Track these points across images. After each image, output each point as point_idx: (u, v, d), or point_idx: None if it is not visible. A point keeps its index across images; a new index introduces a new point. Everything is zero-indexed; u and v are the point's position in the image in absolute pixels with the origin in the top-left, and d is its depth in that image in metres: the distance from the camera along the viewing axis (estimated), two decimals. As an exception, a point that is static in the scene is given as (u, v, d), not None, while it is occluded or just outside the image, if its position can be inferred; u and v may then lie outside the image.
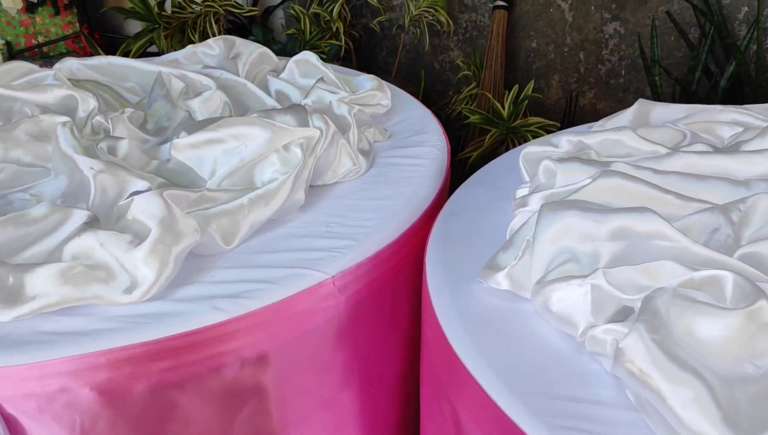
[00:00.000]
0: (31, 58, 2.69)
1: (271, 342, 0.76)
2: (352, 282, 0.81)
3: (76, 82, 1.21)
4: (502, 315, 0.69)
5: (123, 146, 1.01)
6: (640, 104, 1.06)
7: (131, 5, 2.08)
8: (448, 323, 0.69)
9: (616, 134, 0.90)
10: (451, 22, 2.08)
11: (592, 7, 2.06)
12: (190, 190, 0.84)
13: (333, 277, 0.79)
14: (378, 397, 0.92)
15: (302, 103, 1.11)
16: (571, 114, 2.00)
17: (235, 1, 2.16)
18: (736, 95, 1.80)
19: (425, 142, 1.09)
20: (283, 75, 1.28)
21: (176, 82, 1.21)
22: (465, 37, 2.25)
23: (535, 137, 1.87)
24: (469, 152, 1.91)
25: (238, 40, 1.36)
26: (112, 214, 0.86)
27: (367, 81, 1.23)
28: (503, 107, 1.88)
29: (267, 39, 2.11)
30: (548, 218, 0.70)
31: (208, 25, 2.10)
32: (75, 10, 2.67)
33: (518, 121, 1.87)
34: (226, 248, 0.83)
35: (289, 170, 0.92)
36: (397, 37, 2.36)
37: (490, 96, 1.97)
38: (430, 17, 2.05)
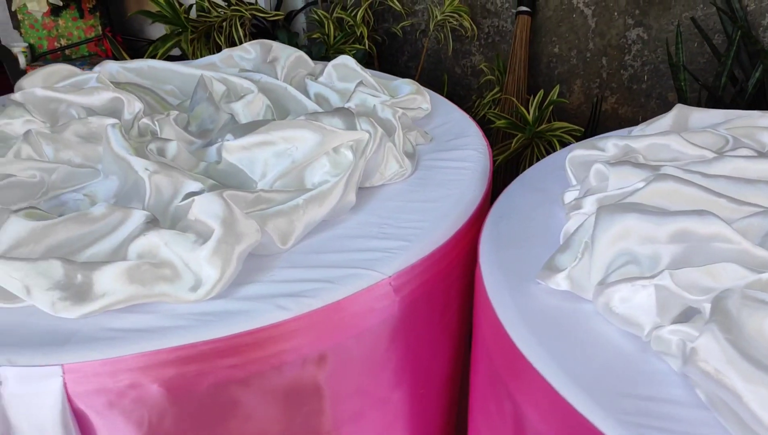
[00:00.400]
0: (54, 61, 2.72)
1: (330, 341, 0.78)
2: (407, 282, 0.82)
3: (118, 85, 1.23)
4: (563, 315, 0.70)
5: (172, 148, 1.02)
6: (679, 109, 1.08)
7: (157, 9, 2.10)
8: (510, 323, 0.70)
9: (663, 138, 0.91)
10: (474, 28, 2.09)
11: (616, 13, 2.07)
12: (247, 190, 0.86)
13: (389, 277, 0.80)
14: (426, 397, 0.93)
15: (345, 106, 1.12)
16: (596, 119, 2.02)
17: (259, 5, 2.19)
18: (761, 101, 1.81)
19: (466, 145, 1.10)
20: (321, 78, 1.30)
21: (218, 85, 1.23)
22: (487, 42, 2.26)
23: (560, 142, 1.89)
24: (495, 156, 1.93)
25: (275, 44, 1.38)
26: (167, 214, 0.88)
27: (405, 85, 1.24)
28: (528, 112, 1.90)
29: (292, 43, 2.13)
30: (607, 221, 0.72)
31: (233, 29, 2.12)
32: (98, 14, 2.69)
33: (543, 126, 1.89)
34: (283, 248, 0.84)
35: (340, 172, 0.93)
36: (418, 42, 2.37)
37: (516, 101, 1.98)
38: (455, 22, 2.07)
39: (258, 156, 0.97)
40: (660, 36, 2.05)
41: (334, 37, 2.16)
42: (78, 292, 0.74)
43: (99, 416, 0.72)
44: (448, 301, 0.91)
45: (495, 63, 2.13)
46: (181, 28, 2.09)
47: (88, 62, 2.64)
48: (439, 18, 2.04)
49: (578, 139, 1.92)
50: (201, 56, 2.10)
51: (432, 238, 0.86)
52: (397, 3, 2.15)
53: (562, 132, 1.88)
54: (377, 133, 0.98)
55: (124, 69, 1.33)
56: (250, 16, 2.08)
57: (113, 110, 1.15)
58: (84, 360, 0.69)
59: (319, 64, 1.37)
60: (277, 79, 1.27)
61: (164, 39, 2.05)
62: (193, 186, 0.92)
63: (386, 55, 2.50)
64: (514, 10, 2.16)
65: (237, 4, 2.11)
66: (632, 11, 2.05)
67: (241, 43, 2.13)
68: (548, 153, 1.96)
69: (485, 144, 1.11)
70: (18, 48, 2.53)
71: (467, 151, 1.08)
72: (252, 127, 1.08)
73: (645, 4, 2.03)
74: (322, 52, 2.13)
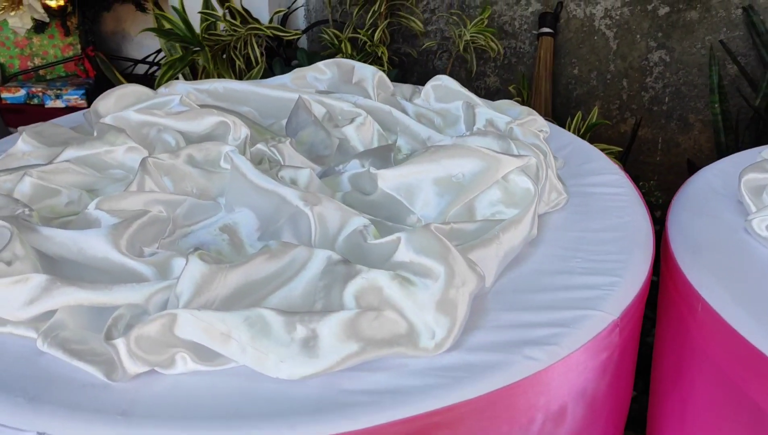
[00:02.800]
0: (26, 81, 2.51)
1: (570, 392, 0.70)
2: (628, 322, 0.76)
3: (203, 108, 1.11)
4: None
5: (304, 176, 0.92)
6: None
7: (169, 26, 1.97)
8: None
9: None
10: (501, 48, 2.06)
11: (638, 36, 2.08)
12: (440, 223, 0.77)
13: (617, 317, 0.73)
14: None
15: (476, 128, 1.05)
16: (633, 141, 2.02)
17: (275, 24, 2.09)
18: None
19: (602, 169, 1.05)
20: (417, 100, 1.22)
21: (317, 107, 1.13)
22: (503, 63, 2.24)
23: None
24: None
25: (356, 64, 1.29)
26: (336, 251, 0.78)
27: (509, 106, 1.18)
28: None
29: (312, 63, 2.03)
30: None
31: (250, 48, 2.01)
32: (78, 32, 2.50)
33: (584, 148, 1.87)
34: (487, 287, 0.76)
35: (515, 202, 0.86)
36: (429, 62, 2.32)
37: (555, 122, 1.95)
38: (482, 42, 2.03)
39: (419, 185, 0.88)
40: (682, 58, 2.07)
41: (352, 58, 2.08)
42: (302, 349, 0.63)
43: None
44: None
45: (521, 84, 2.10)
46: (195, 47, 1.96)
47: (68, 84, 2.45)
48: (468, 38, 1.99)
49: (619, 159, 1.91)
50: (219, 76, 1.98)
51: (639, 270, 0.80)
52: (419, 23, 2.09)
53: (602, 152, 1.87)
54: (542, 158, 0.91)
55: (197, 90, 1.21)
56: (271, 35, 1.97)
57: (216, 136, 1.03)
58: (338, 432, 0.59)
59: (400, 85, 1.29)
60: (373, 100, 1.18)
61: (181, 58, 1.92)
62: (359, 220, 0.82)
63: (396, 77, 2.43)
64: (535, 32, 2.14)
65: (253, 23, 2.00)
66: (655, 34, 2.07)
67: (257, 62, 2.02)
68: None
69: (620, 168, 1.06)
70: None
71: (607, 175, 1.03)
72: (382, 152, 1.00)
73: (668, 27, 2.05)
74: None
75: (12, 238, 0.73)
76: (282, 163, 0.96)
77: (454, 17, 2.07)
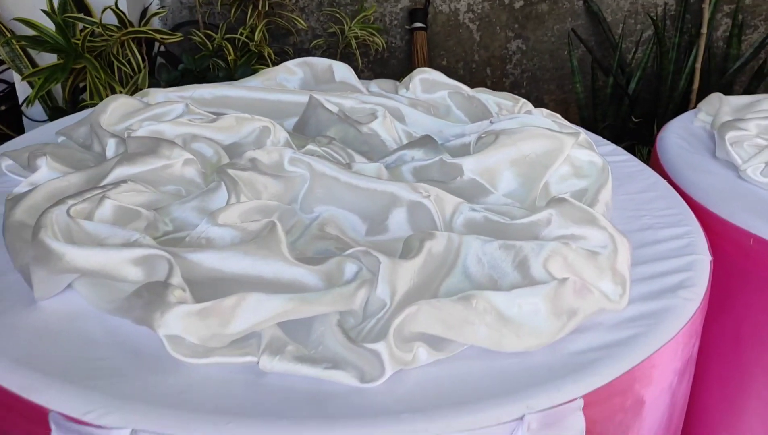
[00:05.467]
0: None
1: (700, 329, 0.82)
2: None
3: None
4: None
5: (373, 170, 0.94)
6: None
7: (37, 33, 1.77)
8: None
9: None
10: (384, 43, 2.15)
11: (498, 27, 2.30)
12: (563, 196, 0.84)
13: (711, 257, 0.87)
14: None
15: (495, 114, 1.13)
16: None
17: (155, 27, 1.97)
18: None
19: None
20: (406, 92, 1.26)
21: (330, 106, 1.13)
22: (376, 58, 2.33)
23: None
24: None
25: (332, 62, 1.29)
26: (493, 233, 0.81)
27: (487, 95, 1.27)
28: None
29: (201, 66, 1.95)
30: None
31: (130, 53, 1.88)
32: None
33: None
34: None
35: (583, 174, 0.96)
36: (301, 61, 2.33)
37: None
38: (366, 38, 2.10)
39: (498, 168, 0.94)
40: (536, 46, 2.32)
41: (235, 59, 2.03)
42: (529, 322, 0.68)
43: None
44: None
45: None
46: (70, 56, 1.79)
47: None
48: (359, 34, 2.05)
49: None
50: (104, 88, 1.82)
51: (693, 217, 0.94)
52: (302, 21, 2.10)
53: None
54: (581, 135, 1.02)
55: (180, 98, 1.14)
56: (159, 38, 1.86)
57: (255, 143, 0.99)
58: (593, 388, 0.64)
59: (380, 81, 1.32)
60: (371, 96, 1.21)
61: (62, 68, 1.74)
62: (465, 205, 0.87)
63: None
64: (408, 27, 2.26)
65: (131, 26, 1.87)
66: (512, 25, 2.29)
67: (140, 68, 1.89)
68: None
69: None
70: None
71: (600, 148, 1.17)
72: (426, 142, 1.04)
73: (523, 19, 2.28)
74: (220, 74, 1.98)
75: (172, 267, 0.67)
76: (344, 162, 0.97)
77: (338, 14, 2.12)
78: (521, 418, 0.61)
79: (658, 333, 0.71)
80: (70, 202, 0.78)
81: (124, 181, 0.85)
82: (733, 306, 0.97)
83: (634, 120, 2.00)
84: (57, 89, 2.09)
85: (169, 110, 1.05)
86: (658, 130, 1.38)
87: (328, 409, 0.60)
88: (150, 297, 0.64)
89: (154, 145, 0.90)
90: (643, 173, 1.08)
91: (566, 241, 0.76)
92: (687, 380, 0.81)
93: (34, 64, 1.90)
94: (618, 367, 0.67)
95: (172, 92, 1.15)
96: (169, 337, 0.63)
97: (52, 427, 0.60)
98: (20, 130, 2.02)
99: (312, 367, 0.63)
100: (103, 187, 0.83)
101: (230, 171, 0.86)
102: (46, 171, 0.89)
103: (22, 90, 2.07)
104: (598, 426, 0.66)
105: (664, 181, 1.06)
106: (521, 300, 0.69)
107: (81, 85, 1.97)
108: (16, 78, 1.99)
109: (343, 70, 1.28)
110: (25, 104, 1.88)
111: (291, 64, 1.30)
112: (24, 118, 2.04)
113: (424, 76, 1.26)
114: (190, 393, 0.61)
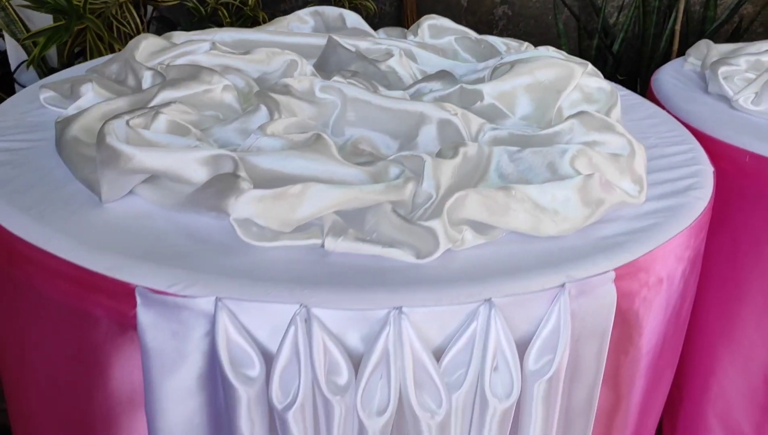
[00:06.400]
0: None
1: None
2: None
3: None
4: None
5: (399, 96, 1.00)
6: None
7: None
8: None
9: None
10: (375, 8, 2.20)
11: (485, -7, 2.37)
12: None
13: (713, 169, 0.95)
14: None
15: (504, 51, 1.20)
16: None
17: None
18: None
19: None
20: (414, 38, 1.33)
21: (348, 46, 1.19)
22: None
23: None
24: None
25: (342, 11, 1.35)
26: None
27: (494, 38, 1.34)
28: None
29: (198, 28, 1.98)
30: None
31: (129, 14, 1.91)
32: None
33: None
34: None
35: (593, 99, 1.03)
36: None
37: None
38: (359, 3, 2.15)
39: (514, 93, 1.01)
40: (521, 12, 2.40)
41: (230, 23, 2.08)
42: (561, 211, 0.75)
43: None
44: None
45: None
46: (72, 18, 1.81)
47: None
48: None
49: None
50: (105, 50, 1.85)
51: (692, 137, 1.03)
52: (296, -14, 2.15)
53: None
54: (589, 66, 1.09)
55: (204, 40, 1.19)
56: (159, 2, 1.89)
57: (283, 75, 1.05)
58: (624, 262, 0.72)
59: (387, 29, 1.38)
60: (387, 39, 1.27)
61: (66, 28, 1.76)
62: (487, 124, 0.94)
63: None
64: (399, -7, 2.32)
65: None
66: (499, -9, 2.37)
67: (139, 30, 1.93)
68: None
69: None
70: None
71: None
72: (443, 76, 1.10)
73: (509, -16, 2.36)
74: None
75: (237, 164, 0.73)
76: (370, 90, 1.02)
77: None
78: (563, 285, 0.68)
79: (674, 222, 0.79)
80: (126, 116, 0.83)
81: (173, 102, 0.90)
82: (731, 220, 1.06)
83: (620, 78, 2.09)
84: (51, 55, 2.11)
85: (196, 48, 1.10)
86: (642, 87, 1.47)
87: (389, 279, 0.67)
88: (222, 185, 0.70)
89: (195, 72, 0.95)
90: (643, 105, 1.16)
91: (589, 146, 0.83)
92: (695, 276, 0.89)
93: (27, 30, 1.91)
94: (642, 247, 0.75)
95: (195, 35, 1.20)
96: (240, 222, 0.69)
97: (139, 300, 0.66)
98: (12, 97, 2.03)
99: (372, 245, 0.69)
100: (152, 107, 0.88)
101: (270, 94, 0.92)
102: (92, 96, 0.94)
103: (15, 56, 2.09)
104: (627, 299, 0.73)
105: (664, 111, 1.14)
106: (554, 191, 0.76)
107: (76, 50, 1.99)
108: (9, 43, 2.01)
109: (353, 18, 1.34)
110: (25, 66, 1.90)
111: (302, 13, 1.36)
112: (16, 84, 2.06)
113: (432, 22, 1.33)
114: (263, 269, 0.67)
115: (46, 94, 1.02)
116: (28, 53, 2.00)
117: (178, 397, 0.68)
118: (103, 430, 0.76)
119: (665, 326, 0.82)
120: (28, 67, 1.91)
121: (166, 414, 0.69)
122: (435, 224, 0.68)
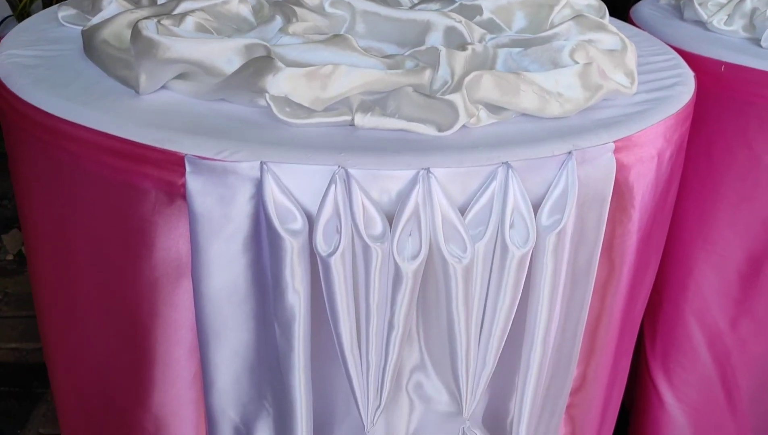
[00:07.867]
0: None
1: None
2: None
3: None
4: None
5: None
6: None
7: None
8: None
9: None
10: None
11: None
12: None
13: (693, 73, 1.04)
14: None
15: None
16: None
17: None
18: None
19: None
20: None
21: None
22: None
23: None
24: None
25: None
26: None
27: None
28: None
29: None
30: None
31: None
32: None
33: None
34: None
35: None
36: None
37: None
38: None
39: (510, 9, 1.08)
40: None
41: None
42: (564, 94, 0.83)
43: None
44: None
45: None
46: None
47: None
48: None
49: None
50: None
51: (671, 51, 1.12)
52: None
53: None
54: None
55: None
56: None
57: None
58: (624, 135, 0.80)
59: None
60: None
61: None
62: (488, 36, 1.01)
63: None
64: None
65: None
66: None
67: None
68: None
69: None
70: None
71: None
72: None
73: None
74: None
75: (270, 51, 0.79)
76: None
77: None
78: (570, 153, 0.76)
79: (663, 108, 0.88)
80: (155, 19, 0.88)
81: (195, 11, 0.95)
82: (707, 127, 1.15)
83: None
84: (37, 6, 2.13)
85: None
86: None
87: (415, 146, 0.74)
88: (259, 65, 0.76)
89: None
90: (624, 27, 1.24)
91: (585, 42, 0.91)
92: (679, 165, 0.98)
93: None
94: (637, 125, 0.83)
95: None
96: (275, 100, 0.75)
97: (188, 168, 0.72)
98: None
99: (398, 120, 0.76)
100: (177, 14, 0.93)
101: (287, 3, 0.98)
102: (115, 6, 0.99)
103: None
104: (623, 171, 0.82)
105: (646, 32, 1.23)
106: (557, 77, 0.84)
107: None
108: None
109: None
110: (10, 21, 1.93)
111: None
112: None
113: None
114: (301, 139, 0.74)
115: (64, 12, 1.06)
116: (14, 9, 2.02)
117: (224, 260, 0.75)
118: (148, 305, 0.82)
119: (654, 206, 0.91)
120: (18, 19, 1.93)
121: (212, 278, 0.76)
122: (455, 97, 0.76)
